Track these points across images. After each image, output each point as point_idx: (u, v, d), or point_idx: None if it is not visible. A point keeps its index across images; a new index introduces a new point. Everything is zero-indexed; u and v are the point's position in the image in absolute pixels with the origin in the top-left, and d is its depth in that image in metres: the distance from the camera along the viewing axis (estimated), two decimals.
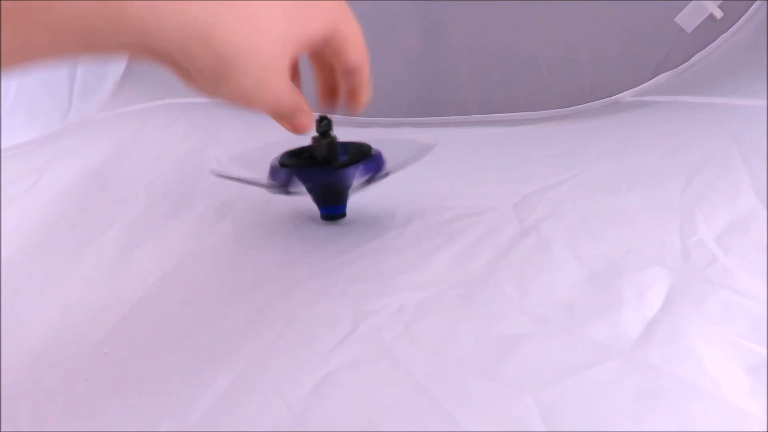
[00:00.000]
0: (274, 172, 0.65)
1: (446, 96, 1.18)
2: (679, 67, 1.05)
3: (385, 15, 1.16)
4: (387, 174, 0.64)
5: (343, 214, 0.69)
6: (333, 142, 0.64)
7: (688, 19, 1.03)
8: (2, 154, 1.03)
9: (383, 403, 0.40)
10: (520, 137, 0.98)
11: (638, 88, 1.07)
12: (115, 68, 1.35)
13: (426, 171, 0.70)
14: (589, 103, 1.09)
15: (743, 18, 1.00)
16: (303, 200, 0.67)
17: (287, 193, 0.64)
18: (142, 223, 0.73)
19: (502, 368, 0.43)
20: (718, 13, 1.01)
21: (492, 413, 0.39)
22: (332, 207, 0.68)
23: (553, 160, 0.83)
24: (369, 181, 0.63)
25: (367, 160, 0.63)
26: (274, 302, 0.54)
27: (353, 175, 0.62)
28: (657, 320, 0.45)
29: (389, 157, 0.65)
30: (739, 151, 0.72)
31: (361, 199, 0.68)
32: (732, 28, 1.01)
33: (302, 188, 0.65)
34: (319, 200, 0.68)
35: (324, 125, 0.63)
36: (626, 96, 1.07)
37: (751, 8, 1.00)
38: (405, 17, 1.17)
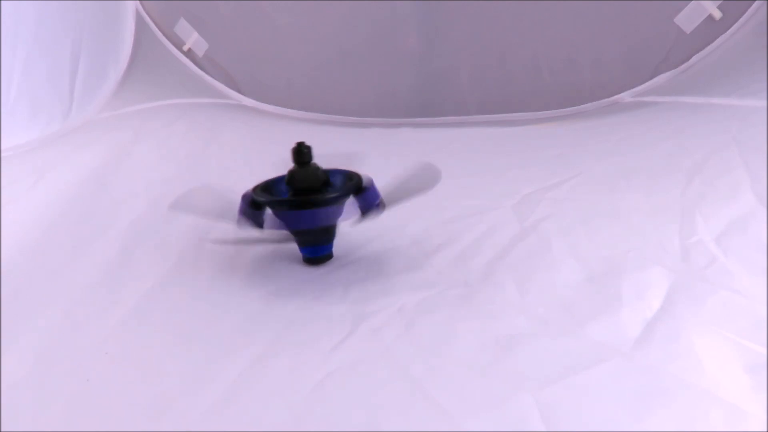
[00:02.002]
0: (246, 212, 0.55)
1: (446, 96, 1.18)
2: (679, 68, 1.05)
3: (385, 15, 1.16)
4: (383, 209, 0.56)
5: (329, 256, 0.59)
6: (315, 172, 0.55)
7: (687, 19, 1.03)
8: (2, 154, 1.03)
9: (383, 403, 0.40)
10: (519, 137, 0.98)
11: (638, 88, 1.06)
12: (116, 69, 1.36)
13: None
14: (589, 104, 1.08)
15: (743, 18, 1.00)
16: None
17: (270, 239, 0.57)
18: (142, 223, 0.73)
19: (502, 368, 0.42)
20: (717, 14, 1.01)
21: (492, 413, 0.39)
22: (316, 248, 0.58)
23: (553, 160, 0.83)
24: (363, 217, 0.56)
25: (360, 194, 0.55)
26: (274, 302, 0.54)
27: (342, 213, 0.55)
28: (657, 320, 0.45)
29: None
30: (739, 151, 0.72)
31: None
32: (732, 29, 1.01)
33: (281, 231, 0.56)
34: (301, 242, 0.58)
35: (305, 153, 0.55)
36: (626, 96, 1.07)
37: (751, 8, 0.99)
38: (405, 17, 1.17)
